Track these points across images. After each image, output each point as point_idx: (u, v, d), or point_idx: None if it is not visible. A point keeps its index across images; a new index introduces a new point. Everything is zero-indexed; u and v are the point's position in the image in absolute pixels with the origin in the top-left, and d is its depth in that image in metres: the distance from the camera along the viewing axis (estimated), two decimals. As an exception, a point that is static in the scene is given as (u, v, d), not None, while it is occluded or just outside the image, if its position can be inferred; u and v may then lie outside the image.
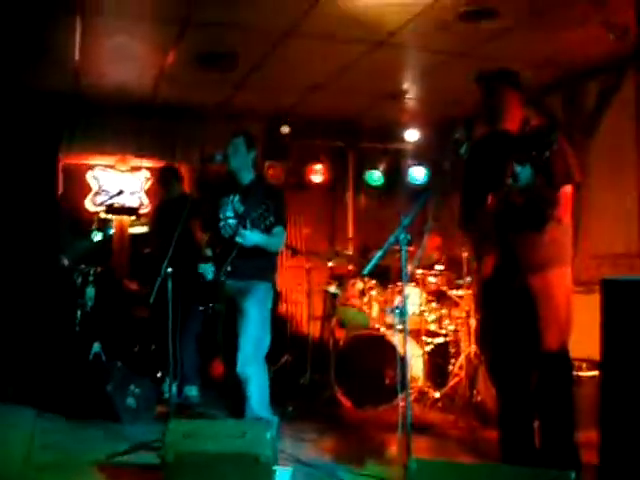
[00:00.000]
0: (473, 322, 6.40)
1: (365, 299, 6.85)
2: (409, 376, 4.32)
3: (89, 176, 9.00)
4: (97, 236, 7.68)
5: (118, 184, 8.84)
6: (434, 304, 6.81)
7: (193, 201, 5.93)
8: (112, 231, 9.02)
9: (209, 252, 5.21)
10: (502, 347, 4.18)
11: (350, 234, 9.15)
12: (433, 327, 6.78)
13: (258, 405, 4.92)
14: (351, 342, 6.62)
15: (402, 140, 8.77)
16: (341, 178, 9.32)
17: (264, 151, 8.28)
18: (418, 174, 8.67)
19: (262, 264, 5.09)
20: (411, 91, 7.72)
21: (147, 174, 9.16)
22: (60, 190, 8.43)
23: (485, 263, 4.32)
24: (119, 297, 8.17)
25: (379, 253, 3.90)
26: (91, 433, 5.53)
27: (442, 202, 4.08)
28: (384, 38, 6.16)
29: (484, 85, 4.17)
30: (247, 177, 5.25)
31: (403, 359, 4.56)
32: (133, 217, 9.11)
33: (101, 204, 8.83)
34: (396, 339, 6.28)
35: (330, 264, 7.52)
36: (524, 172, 3.77)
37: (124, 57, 6.69)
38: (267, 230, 4.87)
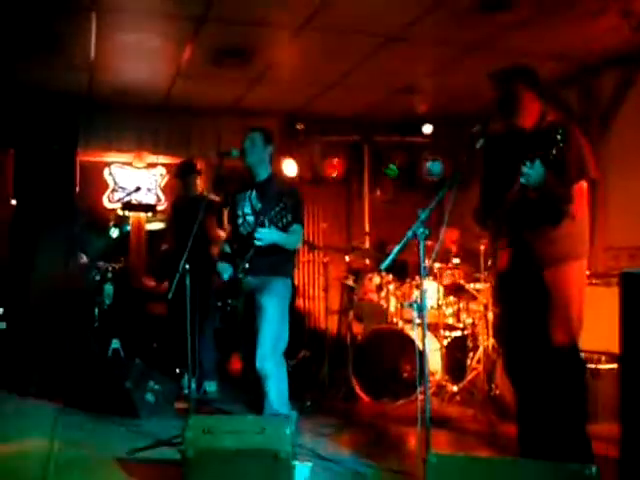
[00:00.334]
0: (491, 315, 6.39)
1: (382, 293, 6.84)
2: (427, 370, 4.32)
3: (106, 173, 9.04)
4: (114, 233, 7.71)
5: (135, 181, 8.88)
6: (452, 298, 6.80)
7: (210, 199, 5.94)
8: (129, 228, 9.06)
9: (227, 248, 5.23)
10: (517, 341, 4.17)
11: (367, 228, 9.14)
12: (451, 321, 6.76)
13: (277, 400, 4.93)
14: (369, 336, 6.63)
15: (418, 134, 8.75)
16: (357, 172, 9.31)
17: (280, 147, 8.29)
18: (434, 168, 8.64)
19: (280, 260, 5.08)
20: (427, 85, 7.69)
21: (163, 170, 9.19)
22: (77, 188, 8.47)
23: (500, 257, 4.31)
24: (137, 294, 8.21)
25: (397, 247, 3.89)
26: (111, 429, 5.56)
27: (459, 196, 4.05)
28: (399, 32, 6.14)
29: (498, 82, 4.15)
30: (264, 173, 5.25)
31: (422, 353, 4.55)
32: (150, 214, 9.14)
33: (118, 201, 8.87)
34: (414, 333, 6.28)
35: (347, 258, 7.51)
36: (534, 170, 3.75)
37: (140, 54, 6.71)
38: (284, 228, 4.86)
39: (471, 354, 6.71)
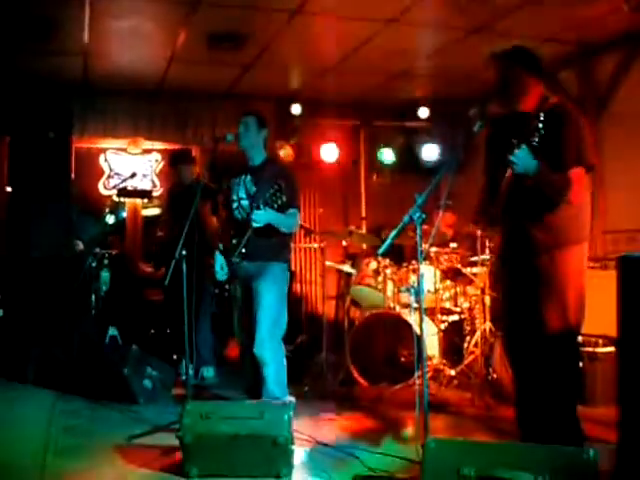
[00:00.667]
0: (488, 299, 6.39)
1: (380, 278, 6.83)
2: (425, 354, 4.32)
3: (101, 160, 9.01)
4: (110, 219, 7.70)
5: (130, 167, 8.85)
6: (448, 282, 6.79)
7: (205, 185, 5.91)
8: (125, 214, 9.04)
9: (221, 246, 5.22)
10: (514, 325, 4.17)
11: (363, 213, 9.13)
12: (448, 305, 6.76)
13: (275, 386, 4.94)
14: (366, 321, 6.62)
15: (415, 118, 8.72)
16: (354, 157, 9.28)
17: (275, 131, 8.27)
18: (431, 152, 8.62)
19: (276, 245, 5.08)
20: (424, 68, 7.66)
21: (158, 156, 9.17)
22: (73, 174, 8.44)
23: (497, 242, 4.32)
24: (134, 280, 8.20)
25: (394, 232, 3.87)
26: (109, 415, 5.58)
27: (456, 180, 4.03)
28: (396, 15, 6.11)
29: (498, 65, 4.11)
30: (258, 157, 5.23)
31: (419, 338, 4.55)
32: (146, 200, 9.12)
33: (114, 187, 8.85)
34: (411, 318, 6.28)
35: (344, 243, 7.50)
36: (520, 157, 3.74)
37: (134, 39, 6.68)
38: (280, 210, 4.85)
39: (468, 338, 6.71)
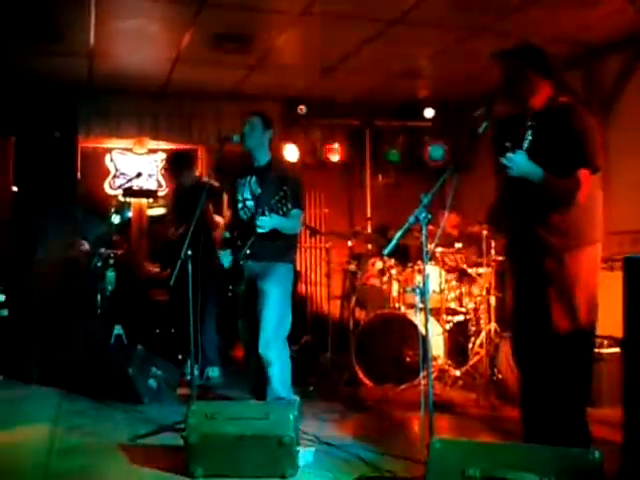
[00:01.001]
0: (493, 300, 6.38)
1: (385, 278, 6.83)
2: (430, 355, 4.32)
3: (107, 160, 9.03)
4: (116, 219, 7.71)
5: (136, 167, 8.86)
6: (454, 282, 6.79)
7: (211, 185, 5.92)
8: (130, 214, 9.05)
9: (227, 234, 5.22)
10: (522, 327, 4.16)
11: (369, 213, 9.12)
12: (453, 305, 6.76)
13: (280, 386, 4.94)
14: (371, 321, 6.62)
15: (420, 118, 8.71)
16: (359, 157, 9.28)
17: (281, 132, 8.27)
18: (436, 152, 8.61)
19: (282, 245, 5.08)
20: (429, 68, 7.65)
21: (164, 156, 9.18)
22: (78, 174, 8.46)
23: (504, 244, 4.32)
24: (139, 280, 8.21)
25: (399, 233, 3.87)
26: (114, 415, 5.58)
27: (461, 180, 4.02)
28: (400, 15, 6.10)
29: (504, 63, 4.09)
30: (263, 158, 5.23)
31: (424, 338, 4.55)
32: (151, 199, 9.13)
33: (119, 187, 8.86)
34: (416, 318, 6.27)
35: (349, 243, 7.50)
36: (514, 161, 3.75)
37: (139, 40, 6.68)
38: (285, 216, 4.85)
39: (473, 338, 6.71)
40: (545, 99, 4.01)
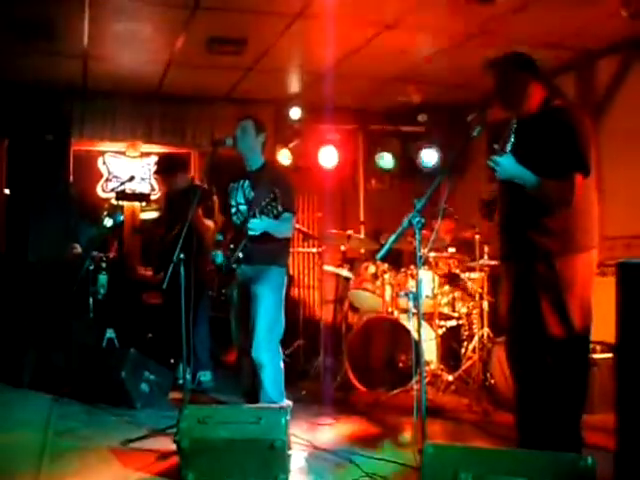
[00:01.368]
0: (486, 305, 6.39)
1: (378, 283, 6.82)
2: (423, 360, 4.32)
3: (100, 163, 9.00)
4: (108, 223, 7.69)
5: (129, 170, 8.84)
6: (446, 287, 6.79)
7: (203, 190, 5.91)
8: (122, 217, 9.02)
9: (220, 237, 5.20)
10: (516, 332, 4.16)
11: (362, 217, 9.12)
12: (446, 310, 6.75)
13: (272, 390, 4.93)
14: (364, 326, 6.61)
15: (413, 122, 8.72)
16: (352, 161, 9.28)
17: (274, 135, 8.26)
18: (429, 157, 8.62)
19: (274, 249, 5.07)
20: (422, 73, 7.65)
21: (156, 159, 9.14)
22: (71, 177, 8.44)
23: (498, 247, 4.33)
24: (131, 284, 8.19)
25: (393, 237, 3.87)
26: (106, 419, 5.57)
27: (454, 185, 4.03)
28: (395, 20, 6.11)
29: (495, 71, 4.11)
30: (256, 162, 5.23)
31: (417, 343, 4.55)
32: (144, 203, 9.11)
33: (112, 190, 8.83)
34: (410, 323, 6.27)
35: (342, 248, 7.50)
36: (501, 165, 3.77)
37: (133, 42, 6.67)
38: (276, 218, 4.84)
39: (466, 343, 6.72)
40: (538, 103, 4.02)
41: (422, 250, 3.96)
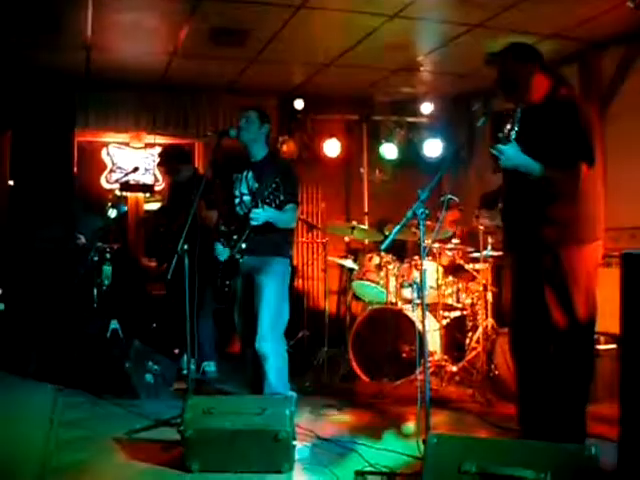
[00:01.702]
0: (490, 296, 6.39)
1: (382, 274, 6.82)
2: (427, 350, 4.31)
3: (104, 154, 9.00)
4: (112, 214, 7.70)
5: (133, 161, 8.84)
6: (451, 278, 6.78)
7: (207, 181, 5.91)
8: (126, 208, 9.02)
9: (224, 229, 5.20)
10: (521, 322, 4.16)
11: (366, 208, 9.11)
12: (450, 301, 6.75)
13: (276, 381, 4.93)
14: (368, 317, 6.62)
15: (417, 113, 8.70)
16: (356, 152, 9.27)
17: (277, 126, 8.26)
18: (433, 147, 8.61)
19: (278, 240, 5.07)
20: (426, 63, 7.63)
21: (160, 150, 9.14)
22: (75, 168, 8.44)
23: (502, 238, 4.33)
24: (136, 275, 8.20)
25: (397, 228, 3.87)
26: (110, 410, 5.58)
27: (458, 175, 4.03)
28: (398, 10, 6.09)
29: (497, 62, 4.10)
30: (260, 153, 5.22)
31: (421, 333, 4.55)
32: (148, 194, 9.11)
33: (116, 181, 8.83)
34: (414, 314, 6.28)
35: (346, 239, 7.50)
36: (504, 151, 3.76)
37: (136, 33, 6.65)
38: (279, 208, 4.84)
39: (470, 334, 6.72)
40: (543, 93, 4.01)
41: (426, 241, 3.96)
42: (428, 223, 4.46)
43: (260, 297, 4.96)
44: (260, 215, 4.76)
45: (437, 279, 6.62)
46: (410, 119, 8.90)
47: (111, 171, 8.99)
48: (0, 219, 7.95)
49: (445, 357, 6.51)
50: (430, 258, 6.69)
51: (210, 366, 6.84)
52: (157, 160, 8.51)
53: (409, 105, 8.78)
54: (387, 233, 6.71)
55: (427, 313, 6.24)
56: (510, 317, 4.33)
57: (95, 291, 7.19)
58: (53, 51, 7.13)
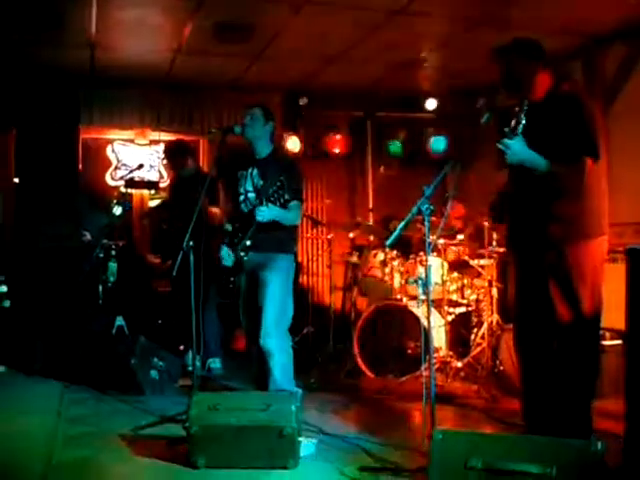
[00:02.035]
0: (495, 291, 6.38)
1: (387, 270, 6.82)
2: (432, 346, 4.32)
3: (108, 151, 9.01)
4: (117, 211, 7.71)
5: (137, 158, 8.85)
6: (456, 274, 6.78)
7: (211, 178, 5.91)
8: (131, 205, 9.03)
9: (229, 227, 5.20)
10: (525, 318, 4.16)
11: (370, 204, 9.11)
12: (455, 297, 6.75)
13: (282, 377, 4.93)
14: (373, 313, 6.62)
15: (422, 109, 8.69)
16: (360, 148, 9.27)
17: (282, 123, 8.25)
18: (438, 144, 8.60)
19: (282, 236, 5.07)
20: (430, 59, 7.63)
21: (164, 145, 9.14)
22: (80, 166, 8.45)
23: (507, 234, 4.33)
24: (141, 271, 8.20)
25: (402, 224, 3.87)
26: (116, 406, 5.59)
27: (463, 171, 4.02)
28: (402, 6, 6.08)
29: (500, 58, 4.10)
30: (265, 150, 5.22)
31: (427, 330, 4.55)
32: (153, 191, 9.12)
33: (121, 178, 8.85)
34: (419, 310, 6.28)
35: (351, 235, 7.49)
36: (510, 145, 3.75)
37: (141, 30, 6.66)
38: (284, 206, 4.84)
39: (475, 330, 6.71)
40: (546, 89, 4.01)
41: (431, 237, 3.95)
42: (433, 219, 4.44)
43: (265, 293, 4.96)
44: (265, 213, 4.76)
45: (442, 275, 6.61)
46: (415, 115, 8.89)
47: (116, 168, 9.00)
48: (5, 217, 7.97)
49: (450, 353, 6.51)
50: (435, 254, 6.69)
51: (215, 362, 6.85)
52: (162, 155, 8.52)
53: (413, 101, 8.76)
54: (392, 229, 6.71)
55: (432, 309, 6.24)
56: (514, 313, 4.33)
57: (100, 288, 7.20)
58: (57, 49, 7.13)
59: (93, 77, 8.10)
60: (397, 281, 6.75)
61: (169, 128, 8.75)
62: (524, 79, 4.02)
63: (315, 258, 9.12)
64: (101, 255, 7.16)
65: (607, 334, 5.56)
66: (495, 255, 6.41)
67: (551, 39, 6.07)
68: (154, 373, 6.05)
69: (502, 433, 4.50)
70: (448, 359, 6.45)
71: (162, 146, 9.02)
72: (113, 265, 7.43)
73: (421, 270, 6.63)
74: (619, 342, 5.42)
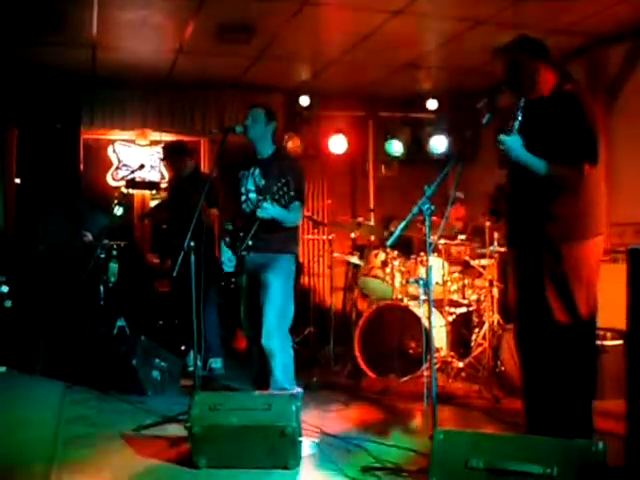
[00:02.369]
0: (496, 291, 6.38)
1: (387, 270, 6.82)
2: (433, 347, 4.32)
3: (110, 151, 9.02)
4: (119, 211, 7.71)
5: (138, 158, 8.85)
6: (457, 274, 6.78)
7: (211, 179, 5.91)
8: (131, 206, 9.03)
9: (229, 226, 5.20)
10: (524, 318, 4.16)
11: (371, 205, 9.11)
12: (456, 297, 6.74)
13: (283, 377, 4.94)
14: (374, 313, 6.61)
15: (423, 109, 8.70)
16: (362, 148, 9.27)
17: (283, 123, 8.26)
18: (439, 143, 8.60)
19: (284, 237, 5.08)
20: (431, 60, 7.63)
21: (164, 144, 9.14)
22: (81, 166, 8.46)
23: (505, 234, 4.33)
24: (142, 272, 8.21)
25: (403, 224, 3.87)
26: (118, 406, 5.59)
27: (464, 171, 4.02)
28: (403, 6, 6.08)
29: (504, 56, 4.09)
30: (267, 150, 5.22)
31: (428, 330, 4.55)
32: (154, 191, 9.12)
33: (122, 179, 8.85)
34: (420, 310, 6.27)
35: (352, 235, 7.50)
36: (507, 142, 3.76)
37: (142, 30, 6.66)
38: (286, 206, 4.83)
39: (476, 330, 6.72)
40: (550, 88, 4.00)
41: (432, 237, 3.95)
42: (434, 219, 4.45)
43: (266, 294, 4.97)
44: (268, 209, 4.75)
45: (443, 275, 6.61)
46: (416, 115, 8.90)
47: (117, 168, 9.00)
48: (7, 217, 7.97)
49: (451, 353, 6.51)
50: (436, 254, 6.69)
51: (216, 362, 6.85)
52: (162, 155, 8.52)
53: (415, 101, 8.77)
54: (393, 229, 6.71)
55: (433, 309, 6.25)
56: (514, 313, 4.33)
57: (102, 288, 7.21)
58: (58, 49, 7.14)
59: (94, 78, 8.11)
60: (398, 281, 6.75)
61: (170, 128, 8.76)
62: (527, 78, 4.02)
63: (316, 258, 9.13)
64: (102, 255, 7.17)
65: (608, 334, 5.57)
66: (496, 255, 6.41)
67: (555, 37, 6.11)
68: (155, 373, 6.05)
69: (503, 433, 4.49)
70: (449, 359, 6.45)
71: (163, 146, 9.04)
72: (114, 266, 7.44)
73: (422, 270, 6.63)
74: (620, 342, 5.43)
